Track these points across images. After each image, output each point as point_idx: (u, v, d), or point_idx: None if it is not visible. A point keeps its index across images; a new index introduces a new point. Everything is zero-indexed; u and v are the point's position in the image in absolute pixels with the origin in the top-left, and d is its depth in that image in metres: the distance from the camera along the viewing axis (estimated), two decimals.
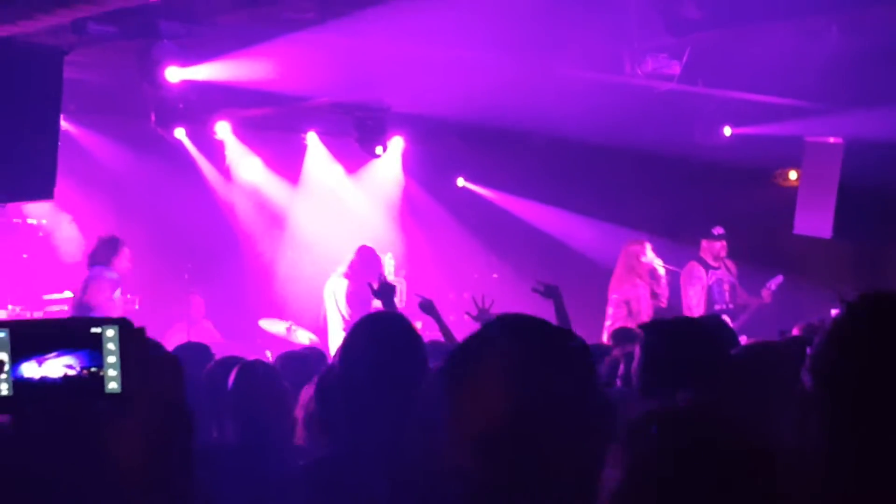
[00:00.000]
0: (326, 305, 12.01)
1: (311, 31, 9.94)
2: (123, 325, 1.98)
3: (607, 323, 11.50)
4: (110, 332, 1.98)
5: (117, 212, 13.21)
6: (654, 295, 11.74)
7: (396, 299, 7.81)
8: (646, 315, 11.46)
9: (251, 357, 5.47)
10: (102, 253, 10.72)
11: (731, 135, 13.49)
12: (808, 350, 2.82)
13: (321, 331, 12.15)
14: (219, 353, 6.28)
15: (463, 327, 7.83)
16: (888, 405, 2.58)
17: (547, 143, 14.20)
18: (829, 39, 10.25)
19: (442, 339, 7.42)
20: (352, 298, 11.65)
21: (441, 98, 11.67)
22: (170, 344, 7.78)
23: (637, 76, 10.31)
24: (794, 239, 13.20)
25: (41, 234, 12.88)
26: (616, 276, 11.85)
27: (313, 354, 6.68)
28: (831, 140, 12.72)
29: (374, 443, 3.64)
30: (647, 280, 11.72)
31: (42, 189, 9.24)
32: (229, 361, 5.36)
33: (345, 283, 11.78)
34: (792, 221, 13.14)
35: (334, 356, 4.00)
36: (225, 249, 14.03)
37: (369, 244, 12.24)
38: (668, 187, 14.48)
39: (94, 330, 1.98)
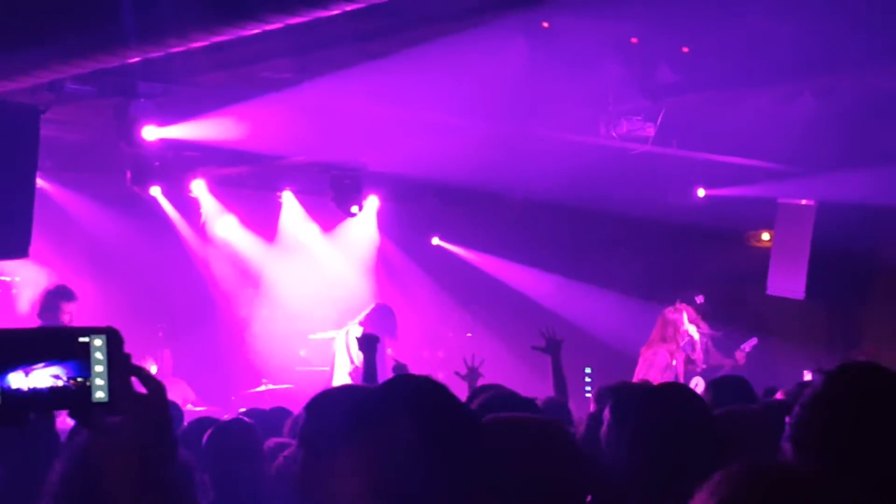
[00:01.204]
0: (336, 350, 11.99)
1: (287, 90, 9.99)
2: (111, 334, 1.99)
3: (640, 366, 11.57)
4: (98, 342, 1.98)
5: (92, 269, 13.17)
6: (690, 361, 11.73)
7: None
8: (653, 380, 11.46)
9: (225, 416, 5.46)
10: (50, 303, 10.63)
11: (705, 196, 13.59)
12: (787, 419, 2.85)
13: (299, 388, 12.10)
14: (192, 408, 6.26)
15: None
16: (871, 473, 2.60)
17: (522, 203, 14.26)
18: (803, 104, 10.36)
19: None
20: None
21: (416, 158, 11.74)
22: None
23: (612, 138, 10.39)
24: (767, 299, 13.28)
25: (14, 291, 12.83)
26: (649, 339, 11.86)
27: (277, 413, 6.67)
28: (804, 202, 12.84)
29: None
30: (678, 346, 11.68)
31: (17, 247, 9.21)
32: (205, 422, 5.35)
33: (360, 329, 11.78)
34: (765, 282, 13.22)
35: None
36: (199, 307, 13.99)
37: (384, 302, 12.35)
38: (642, 248, 14.55)
39: (81, 339, 1.98)
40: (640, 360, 11.64)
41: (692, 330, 11.82)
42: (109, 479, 1.95)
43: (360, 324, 11.79)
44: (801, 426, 2.77)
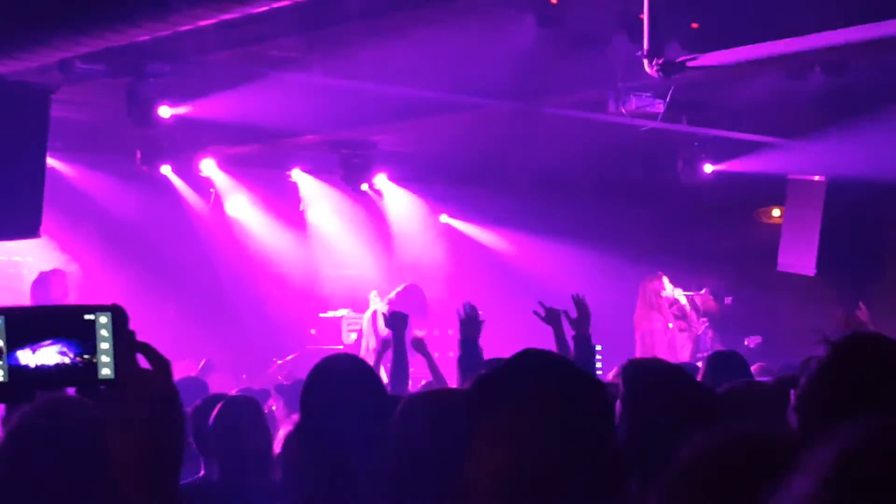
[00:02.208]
0: (364, 330, 12.02)
1: (297, 69, 9.99)
2: (116, 311, 2.01)
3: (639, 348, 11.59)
4: (103, 319, 2.00)
5: (103, 248, 13.21)
6: (687, 326, 11.75)
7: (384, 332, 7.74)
8: (659, 349, 11.47)
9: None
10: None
11: (715, 173, 13.56)
12: (793, 391, 2.86)
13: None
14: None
15: (450, 364, 7.81)
16: None
17: (531, 181, 14.26)
18: (813, 79, 10.33)
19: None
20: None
21: (425, 136, 11.74)
22: None
23: (621, 115, 10.37)
24: (779, 275, 13.26)
25: (25, 271, 12.86)
26: (636, 314, 11.89)
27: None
28: (814, 178, 12.81)
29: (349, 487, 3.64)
30: (669, 313, 11.72)
31: (28, 227, 9.24)
32: (217, 399, 5.37)
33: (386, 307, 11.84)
34: (775, 258, 13.20)
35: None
36: (210, 286, 14.02)
37: (417, 283, 12.36)
38: (652, 225, 14.54)
39: (87, 317, 2.00)
40: (637, 336, 11.68)
41: (677, 293, 11.85)
42: (115, 455, 1.97)
43: (389, 304, 11.80)
44: (806, 397, 2.78)
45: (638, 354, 11.29)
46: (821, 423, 2.72)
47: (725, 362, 5.74)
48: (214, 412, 4.94)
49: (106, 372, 1.98)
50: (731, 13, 8.90)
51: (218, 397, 5.38)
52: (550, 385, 2.17)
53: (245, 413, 4.98)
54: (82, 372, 1.99)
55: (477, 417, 2.14)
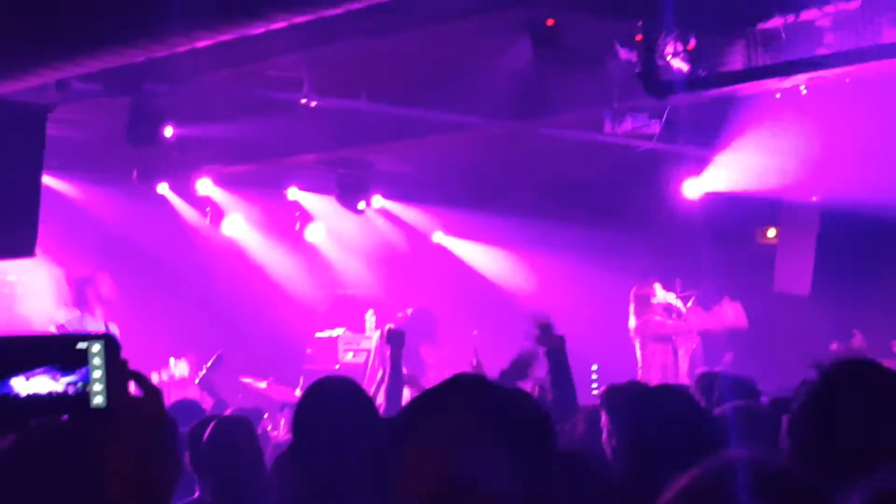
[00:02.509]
0: (372, 352, 12.01)
1: (294, 88, 10.02)
2: (108, 340, 2.02)
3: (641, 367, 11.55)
4: (96, 348, 2.01)
5: (100, 267, 13.20)
6: (684, 327, 11.76)
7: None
8: (658, 361, 11.47)
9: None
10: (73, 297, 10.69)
11: (712, 193, 13.59)
12: (784, 417, 2.87)
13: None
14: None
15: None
16: (859, 469, 2.62)
17: (527, 201, 14.28)
18: (805, 101, 10.37)
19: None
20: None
21: (422, 156, 11.77)
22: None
23: (617, 136, 10.40)
24: (775, 297, 13.26)
25: (19, 291, 12.86)
26: (634, 322, 11.84)
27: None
28: (810, 199, 12.83)
29: None
30: (664, 317, 11.72)
31: (24, 246, 9.24)
32: (212, 419, 5.37)
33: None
34: (772, 279, 13.21)
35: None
36: (206, 303, 14.01)
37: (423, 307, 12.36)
38: (649, 245, 14.54)
39: (80, 345, 2.01)
40: (641, 356, 11.64)
41: (670, 298, 11.84)
42: (107, 482, 1.98)
43: (396, 324, 11.78)
44: (798, 423, 2.79)
45: (640, 370, 11.26)
46: (812, 450, 2.73)
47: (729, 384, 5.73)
48: (207, 431, 4.94)
49: (98, 400, 1.99)
50: (727, 35, 8.94)
51: (213, 418, 5.38)
52: (481, 407, 2.15)
53: (237, 432, 4.98)
54: (75, 400, 1.99)
55: (406, 439, 2.15)
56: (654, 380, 10.53)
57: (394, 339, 7.44)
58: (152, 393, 2.03)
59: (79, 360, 2.00)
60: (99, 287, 10.75)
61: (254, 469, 4.83)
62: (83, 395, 1.99)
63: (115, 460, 1.99)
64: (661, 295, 11.86)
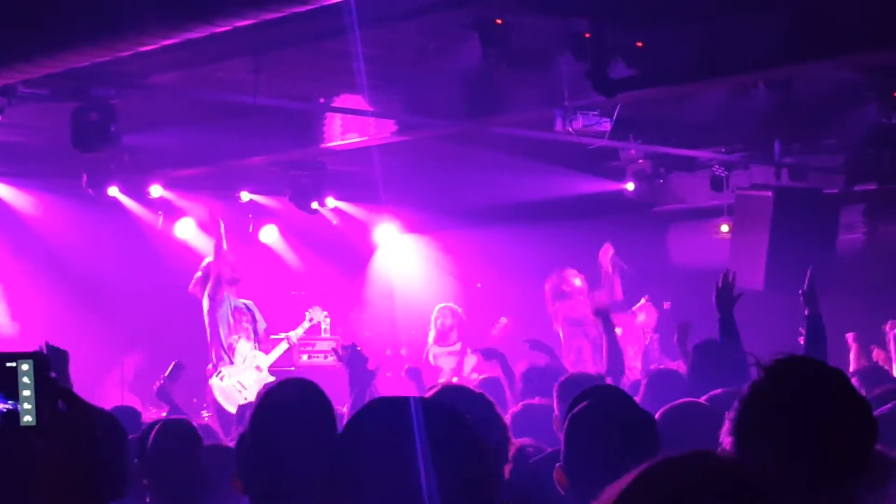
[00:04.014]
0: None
1: (244, 91, 9.98)
2: (38, 358, 2.01)
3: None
4: (25, 367, 2.00)
5: (50, 271, 13.11)
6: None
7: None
8: (584, 353, 11.55)
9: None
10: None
11: (665, 188, 13.68)
12: (727, 415, 2.88)
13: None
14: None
15: (397, 384, 7.79)
16: (802, 466, 2.64)
17: (481, 201, 14.29)
18: (758, 95, 10.43)
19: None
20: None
21: (373, 156, 11.75)
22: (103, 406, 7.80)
23: (569, 134, 10.42)
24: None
25: None
26: (553, 311, 11.94)
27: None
28: (761, 193, 12.91)
29: None
30: (582, 303, 11.78)
31: None
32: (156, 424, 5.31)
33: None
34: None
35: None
36: (161, 310, 13.92)
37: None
38: (602, 242, 14.58)
39: (8, 364, 1.99)
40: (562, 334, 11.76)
41: (578, 283, 11.98)
42: (38, 499, 1.97)
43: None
44: (740, 421, 2.80)
45: (565, 359, 11.26)
46: (755, 448, 2.74)
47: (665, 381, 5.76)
48: (152, 435, 4.89)
49: (28, 419, 1.98)
50: (675, 34, 8.98)
51: (158, 422, 5.33)
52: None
53: (180, 435, 4.92)
54: (4, 419, 1.98)
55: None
56: (568, 363, 10.64)
57: (353, 359, 7.26)
58: (82, 411, 2.01)
59: (8, 379, 1.98)
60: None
61: (198, 472, 4.77)
62: (13, 414, 1.98)
63: (46, 477, 1.97)
64: (578, 282, 11.98)
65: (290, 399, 3.92)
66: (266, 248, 15.08)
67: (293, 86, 10.43)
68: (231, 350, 11.79)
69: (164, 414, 9.20)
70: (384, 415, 2.29)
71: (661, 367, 11.50)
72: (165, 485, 4.72)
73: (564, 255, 14.30)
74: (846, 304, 12.77)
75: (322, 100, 10.89)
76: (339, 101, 10.82)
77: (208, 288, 11.87)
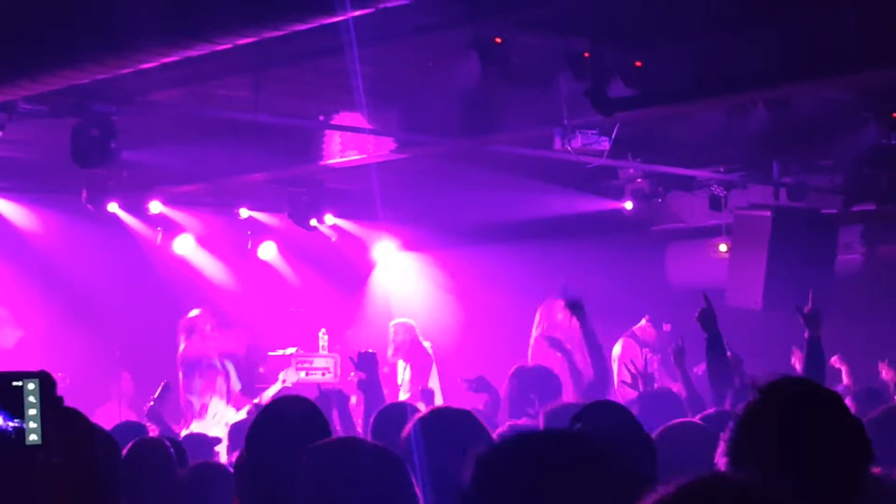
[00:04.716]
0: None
1: (244, 108, 10.00)
2: (44, 378, 2.01)
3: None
4: (31, 386, 2.01)
5: (49, 286, 13.11)
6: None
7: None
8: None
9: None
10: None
11: (664, 208, 13.68)
12: (722, 436, 2.88)
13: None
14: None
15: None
16: (796, 487, 2.64)
17: (480, 215, 14.30)
18: (757, 115, 10.45)
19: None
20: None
21: (373, 173, 11.76)
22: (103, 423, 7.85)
23: (567, 152, 10.43)
24: (730, 310, 13.31)
25: None
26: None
27: None
28: (759, 212, 12.91)
29: None
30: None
31: None
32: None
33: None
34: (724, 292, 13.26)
35: None
36: (158, 326, 13.91)
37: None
38: (600, 261, 14.58)
39: (14, 383, 2.00)
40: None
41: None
42: None
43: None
44: (735, 441, 2.81)
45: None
46: (750, 468, 2.75)
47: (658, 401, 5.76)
48: (124, 452, 4.87)
49: (33, 437, 1.99)
50: (674, 53, 9.01)
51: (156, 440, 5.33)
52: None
53: (149, 456, 4.90)
54: (10, 438, 1.98)
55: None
56: None
57: (366, 363, 7.28)
58: (87, 430, 2.03)
59: (14, 398, 1.99)
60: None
61: (174, 491, 4.75)
62: (19, 433, 1.98)
63: (49, 493, 1.98)
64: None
65: (286, 412, 3.95)
66: (264, 265, 15.08)
67: (292, 103, 10.44)
68: (204, 408, 11.78)
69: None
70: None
71: (659, 387, 11.54)
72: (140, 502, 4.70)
73: (562, 273, 14.29)
74: (844, 325, 12.78)
75: (321, 117, 10.90)
76: (337, 119, 10.83)
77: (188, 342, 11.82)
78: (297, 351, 13.32)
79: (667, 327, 12.45)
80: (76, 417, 2.03)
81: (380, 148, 11.33)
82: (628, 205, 13.77)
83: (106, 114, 9.70)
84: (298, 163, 12.08)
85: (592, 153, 10.72)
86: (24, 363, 10.50)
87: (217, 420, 11.73)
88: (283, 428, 3.87)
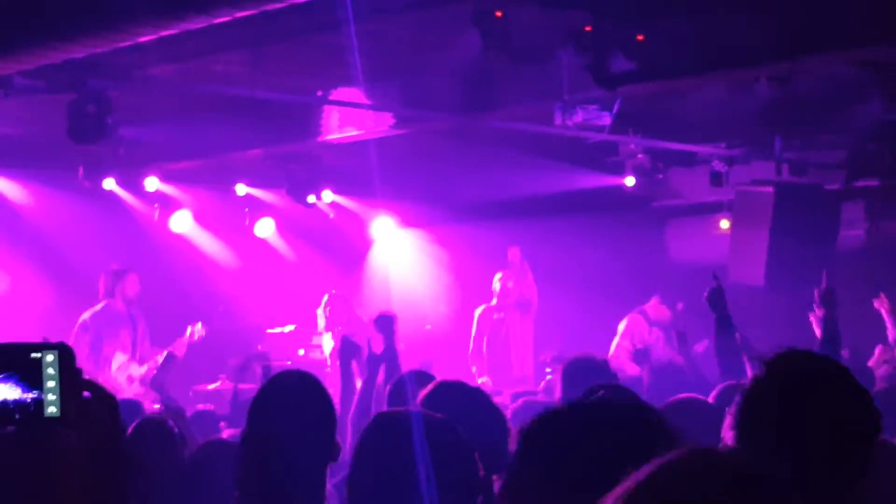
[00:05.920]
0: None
1: (241, 83, 9.94)
2: (63, 350, 2.01)
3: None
4: (50, 357, 2.02)
5: (45, 263, 13.09)
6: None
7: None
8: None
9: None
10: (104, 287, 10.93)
11: (666, 184, 13.62)
12: (728, 410, 2.84)
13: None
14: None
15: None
16: (802, 461, 2.60)
17: (479, 192, 14.25)
18: (759, 90, 10.38)
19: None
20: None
21: (372, 149, 11.71)
22: None
23: (568, 128, 10.37)
24: (734, 287, 13.27)
25: None
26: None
27: None
28: (762, 188, 12.86)
29: None
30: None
31: None
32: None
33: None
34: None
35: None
36: (157, 302, 13.88)
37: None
38: (603, 238, 14.55)
39: (33, 355, 2.01)
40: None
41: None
42: (62, 492, 1.97)
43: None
44: (741, 415, 2.77)
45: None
46: (756, 442, 2.70)
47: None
48: (129, 431, 4.86)
49: (52, 410, 2.00)
50: (676, 28, 8.93)
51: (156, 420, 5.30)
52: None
53: (151, 434, 4.90)
54: (29, 409, 1.99)
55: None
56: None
57: (384, 326, 7.26)
58: (106, 402, 2.02)
59: (33, 370, 1.99)
60: (126, 284, 11.10)
61: (169, 470, 4.75)
62: (37, 405, 1.98)
63: (69, 467, 1.98)
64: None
65: (289, 385, 3.95)
66: (262, 242, 15.04)
67: (290, 79, 10.38)
68: (106, 360, 11.60)
69: (158, 406, 9.18)
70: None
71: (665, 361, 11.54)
72: (142, 483, 4.68)
73: (562, 248, 14.29)
74: (846, 300, 12.70)
75: (319, 93, 10.84)
76: (336, 95, 10.76)
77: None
78: (295, 328, 13.33)
79: (680, 306, 12.42)
80: (97, 389, 2.01)
81: (379, 124, 11.28)
82: (629, 181, 13.70)
83: (102, 90, 9.64)
84: (296, 139, 12.03)
85: (593, 128, 10.67)
86: (19, 339, 10.44)
87: (120, 372, 11.56)
88: (285, 401, 3.88)
